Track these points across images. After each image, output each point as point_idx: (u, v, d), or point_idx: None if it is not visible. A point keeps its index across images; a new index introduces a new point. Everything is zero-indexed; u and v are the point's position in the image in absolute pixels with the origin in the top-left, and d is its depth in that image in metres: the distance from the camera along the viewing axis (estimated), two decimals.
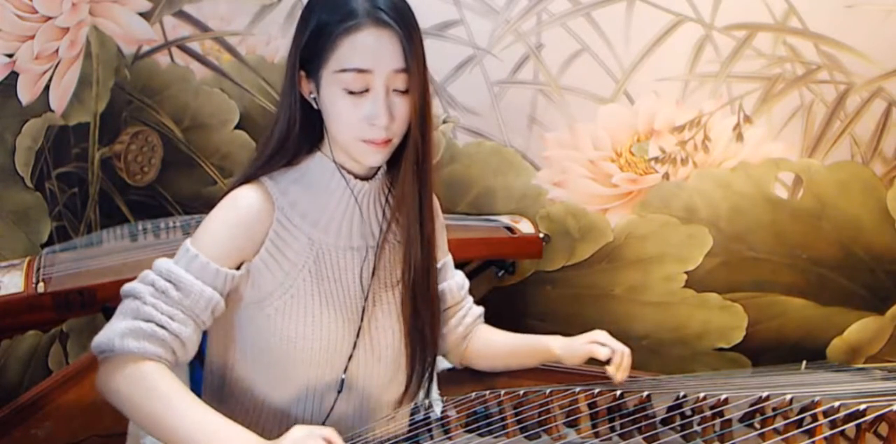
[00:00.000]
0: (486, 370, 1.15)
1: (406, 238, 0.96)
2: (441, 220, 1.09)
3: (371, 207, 0.98)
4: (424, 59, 0.89)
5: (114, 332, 0.85)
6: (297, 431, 0.77)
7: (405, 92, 0.88)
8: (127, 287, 0.90)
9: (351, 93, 0.86)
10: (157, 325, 0.85)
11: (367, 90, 0.86)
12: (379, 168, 0.97)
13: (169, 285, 0.87)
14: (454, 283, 1.11)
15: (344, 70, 0.85)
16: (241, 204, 0.92)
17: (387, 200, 0.99)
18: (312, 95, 0.91)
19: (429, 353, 1.02)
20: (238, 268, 0.91)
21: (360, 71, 0.85)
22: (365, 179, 0.96)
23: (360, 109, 0.87)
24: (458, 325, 1.12)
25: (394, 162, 0.94)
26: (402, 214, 0.95)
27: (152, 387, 0.82)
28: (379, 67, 0.85)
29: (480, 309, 1.16)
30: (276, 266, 0.93)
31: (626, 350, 1.03)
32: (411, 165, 0.92)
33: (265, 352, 0.95)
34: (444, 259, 1.11)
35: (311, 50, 0.88)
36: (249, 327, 0.95)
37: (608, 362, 1.02)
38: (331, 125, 0.91)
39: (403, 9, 0.87)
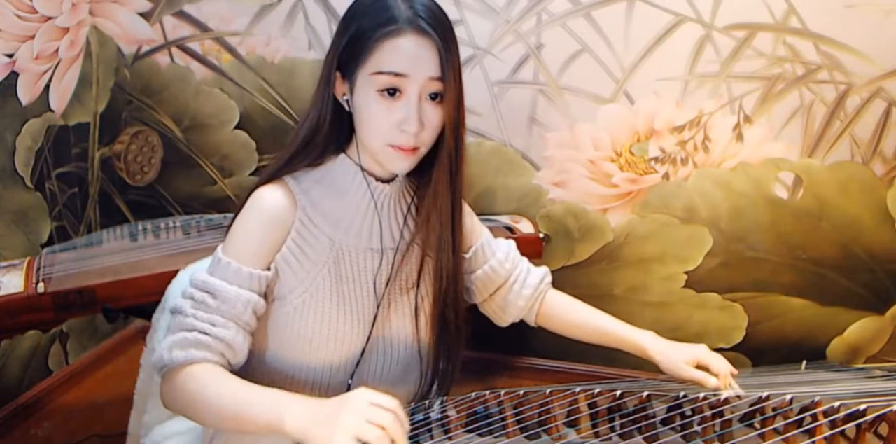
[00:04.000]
0: (560, 333, 1.15)
1: (437, 247, 0.97)
2: (468, 210, 1.10)
3: (392, 209, 0.98)
4: (460, 71, 0.89)
5: (163, 347, 0.90)
6: (363, 394, 0.76)
7: (438, 102, 0.88)
8: (172, 304, 0.93)
9: (384, 95, 0.87)
10: (200, 332, 0.89)
11: (400, 95, 0.87)
12: None
13: (206, 295, 0.90)
14: (495, 261, 1.11)
15: (380, 73, 0.86)
16: (265, 204, 0.93)
17: (410, 203, 1.00)
18: (346, 97, 0.92)
19: (452, 364, 1.03)
20: (269, 267, 0.93)
21: (397, 75, 0.86)
22: (387, 181, 0.97)
23: (391, 113, 0.87)
24: (518, 298, 1.12)
25: (417, 165, 0.95)
26: (433, 224, 0.96)
27: (204, 384, 0.86)
28: (415, 73, 0.86)
29: (542, 271, 1.15)
30: (297, 265, 0.94)
31: (728, 369, 1.02)
32: (445, 175, 0.93)
33: (283, 347, 0.97)
34: (481, 240, 1.11)
35: (349, 52, 0.88)
36: (270, 323, 0.96)
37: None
38: (361, 128, 0.91)
39: (443, 19, 0.88)
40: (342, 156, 0.96)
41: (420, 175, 0.97)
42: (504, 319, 1.16)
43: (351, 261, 0.96)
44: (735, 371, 1.02)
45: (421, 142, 0.89)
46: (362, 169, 0.95)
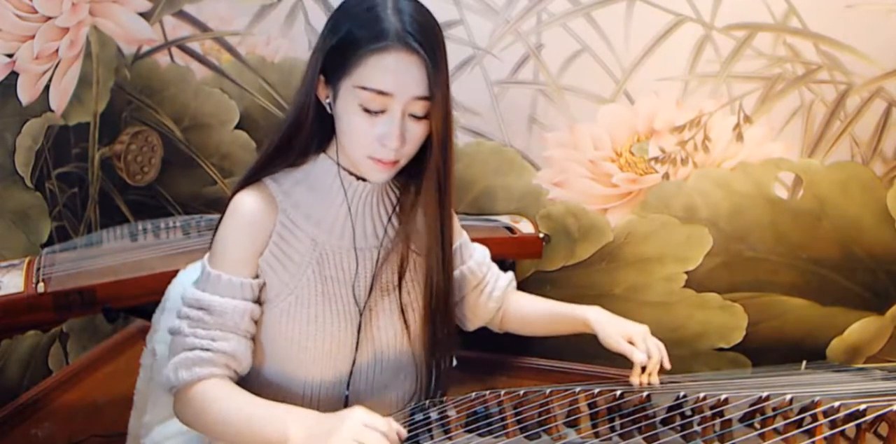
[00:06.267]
0: (525, 335, 1.16)
1: (426, 263, 0.97)
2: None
3: (374, 208, 0.98)
4: (448, 87, 0.88)
5: (168, 369, 0.91)
6: (358, 415, 0.79)
7: (422, 117, 0.87)
8: (170, 327, 0.94)
9: (367, 111, 0.86)
10: (201, 349, 0.90)
11: (383, 111, 0.86)
12: None
13: (201, 313, 0.91)
14: (473, 263, 1.11)
15: (365, 88, 0.84)
16: (243, 210, 0.93)
17: (396, 203, 0.99)
18: (328, 101, 0.91)
19: (444, 366, 1.03)
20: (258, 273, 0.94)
21: (381, 93, 0.84)
22: (367, 179, 0.96)
23: (373, 127, 0.86)
24: (488, 300, 1.13)
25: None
26: (419, 231, 0.96)
27: (212, 399, 0.88)
28: (400, 92, 0.84)
29: (507, 279, 1.16)
30: (281, 267, 0.94)
31: (659, 357, 1.01)
32: (433, 189, 0.93)
33: (272, 351, 0.96)
34: (460, 240, 1.10)
35: (335, 58, 0.87)
36: (259, 327, 0.96)
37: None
38: (342, 136, 0.91)
39: (433, 34, 0.86)
40: (322, 156, 0.95)
41: (404, 174, 0.96)
42: (473, 322, 1.15)
43: (334, 261, 0.96)
44: (666, 364, 1.01)
45: (401, 155, 0.89)
46: (341, 168, 0.95)
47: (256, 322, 0.95)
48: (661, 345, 1.03)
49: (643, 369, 1.00)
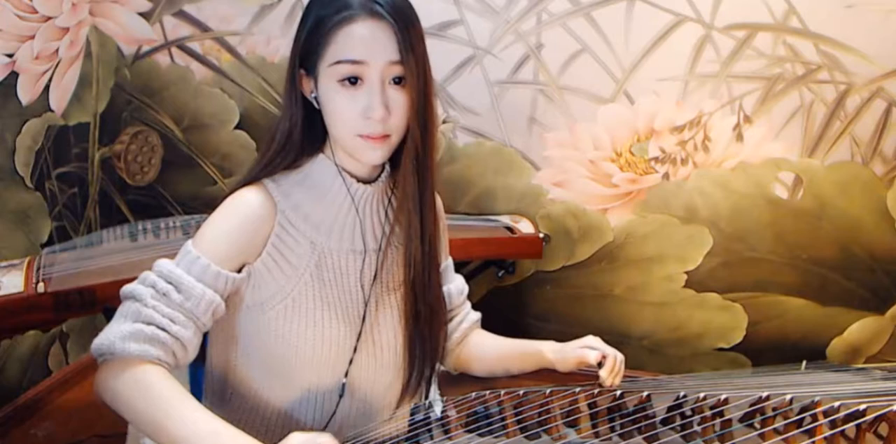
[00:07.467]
0: (481, 375, 1.14)
1: (406, 237, 0.95)
2: (444, 222, 1.08)
3: (373, 209, 0.97)
4: (424, 54, 0.87)
5: (114, 335, 0.84)
6: (295, 438, 0.76)
7: (404, 86, 0.87)
8: (127, 289, 0.88)
9: (345, 85, 0.85)
10: (158, 327, 0.84)
11: (362, 82, 0.85)
12: (382, 171, 0.96)
13: (170, 287, 0.86)
14: (454, 287, 1.11)
15: (339, 62, 0.84)
16: (243, 207, 0.91)
17: (389, 203, 0.98)
18: (313, 94, 0.90)
19: (429, 355, 1.01)
20: (239, 270, 0.90)
21: (355, 62, 0.84)
22: (368, 182, 0.95)
23: (355, 102, 0.86)
24: (455, 330, 1.11)
25: (397, 163, 0.93)
26: (402, 214, 0.94)
27: (152, 391, 0.81)
28: (373, 59, 0.84)
29: (477, 314, 1.16)
30: (278, 270, 0.92)
31: (619, 355, 1.02)
32: (411, 162, 0.91)
33: (267, 355, 0.95)
34: (445, 262, 1.10)
35: (308, 46, 0.87)
36: (251, 330, 0.95)
37: (600, 365, 1.01)
38: (329, 122, 0.90)
39: (400, 2, 0.86)
40: (320, 156, 0.94)
41: (399, 172, 0.94)
42: None
43: (333, 264, 0.95)
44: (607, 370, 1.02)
45: (390, 129, 0.87)
46: (340, 169, 0.94)
47: (242, 327, 0.93)
48: (617, 352, 1.03)
49: (600, 365, 1.01)
